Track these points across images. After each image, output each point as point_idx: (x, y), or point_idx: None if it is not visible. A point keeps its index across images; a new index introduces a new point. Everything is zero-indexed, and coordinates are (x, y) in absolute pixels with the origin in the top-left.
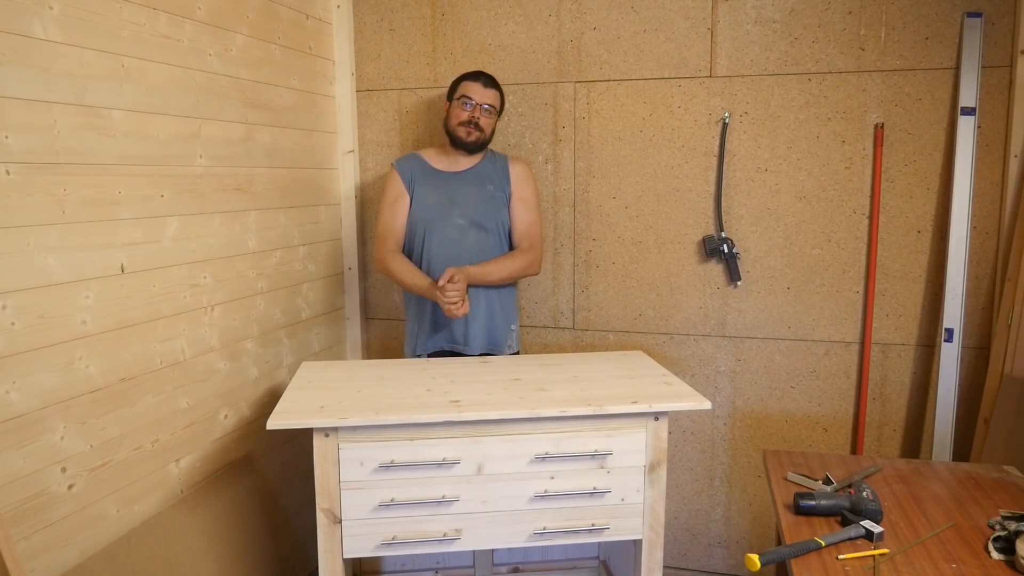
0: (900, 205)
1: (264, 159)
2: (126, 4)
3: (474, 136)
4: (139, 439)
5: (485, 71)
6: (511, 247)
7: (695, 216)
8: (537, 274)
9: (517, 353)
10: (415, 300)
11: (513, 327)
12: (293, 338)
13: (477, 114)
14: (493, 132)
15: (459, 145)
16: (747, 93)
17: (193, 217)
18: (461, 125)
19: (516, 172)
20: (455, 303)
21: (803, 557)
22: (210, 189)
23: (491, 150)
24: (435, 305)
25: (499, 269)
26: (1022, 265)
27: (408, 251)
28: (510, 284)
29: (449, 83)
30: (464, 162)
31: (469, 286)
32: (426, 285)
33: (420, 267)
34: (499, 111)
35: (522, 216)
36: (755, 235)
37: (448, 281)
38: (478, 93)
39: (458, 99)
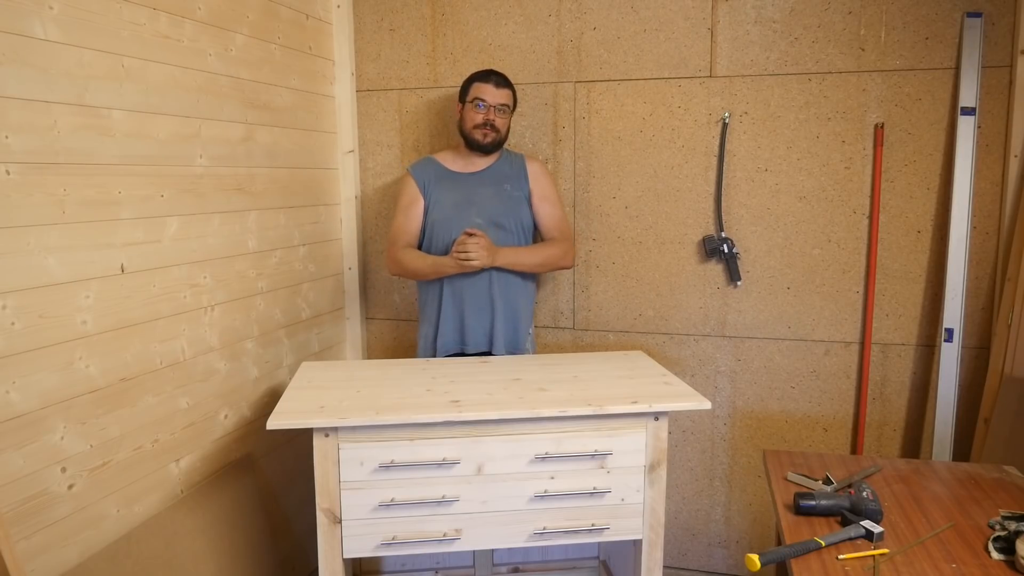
0: (900, 205)
1: (264, 159)
2: (126, 4)
3: (490, 137)
4: (139, 439)
5: (495, 69)
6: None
7: (695, 216)
8: (570, 267)
9: None
10: (434, 301)
11: (530, 331)
12: (293, 338)
13: (492, 116)
14: (508, 130)
15: (476, 147)
16: (747, 93)
17: (193, 217)
18: (477, 128)
19: (534, 170)
20: (471, 255)
21: (803, 557)
22: (210, 189)
23: (507, 149)
24: (457, 305)
25: (532, 254)
26: (1022, 265)
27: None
28: (534, 283)
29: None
30: (480, 163)
31: (498, 269)
32: (436, 258)
33: None
34: (513, 108)
35: (548, 213)
36: (755, 235)
37: (468, 236)
38: (491, 94)
39: (471, 101)
